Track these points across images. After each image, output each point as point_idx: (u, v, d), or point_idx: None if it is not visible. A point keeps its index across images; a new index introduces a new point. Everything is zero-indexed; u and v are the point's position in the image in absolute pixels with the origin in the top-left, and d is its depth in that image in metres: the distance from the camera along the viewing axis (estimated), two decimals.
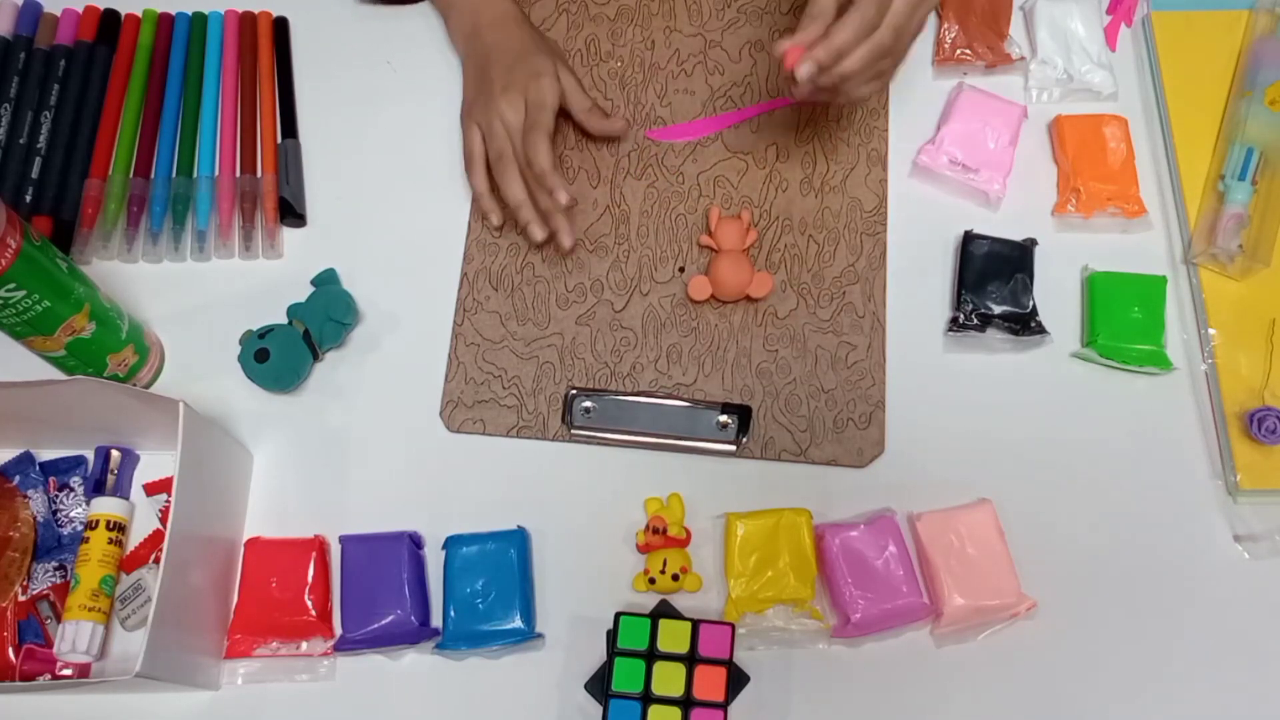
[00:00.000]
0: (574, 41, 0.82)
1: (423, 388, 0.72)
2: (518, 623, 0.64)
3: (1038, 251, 0.75)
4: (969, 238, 0.75)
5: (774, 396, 0.72)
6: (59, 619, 0.64)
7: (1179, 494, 0.70)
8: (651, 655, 0.62)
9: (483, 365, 0.73)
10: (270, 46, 0.82)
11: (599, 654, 0.64)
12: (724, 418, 0.70)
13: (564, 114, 0.76)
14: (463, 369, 0.72)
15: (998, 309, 0.73)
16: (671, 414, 0.71)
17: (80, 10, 0.83)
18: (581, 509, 0.69)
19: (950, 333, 0.73)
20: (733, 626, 0.62)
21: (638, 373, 0.72)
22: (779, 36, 0.67)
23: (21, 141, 0.77)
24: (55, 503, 0.68)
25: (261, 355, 0.68)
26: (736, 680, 0.63)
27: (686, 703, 0.61)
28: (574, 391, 0.71)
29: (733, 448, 0.70)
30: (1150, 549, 0.68)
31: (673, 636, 0.62)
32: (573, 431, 0.70)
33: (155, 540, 0.67)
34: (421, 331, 0.74)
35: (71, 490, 0.68)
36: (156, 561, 0.66)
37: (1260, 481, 0.69)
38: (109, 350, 0.67)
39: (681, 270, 0.75)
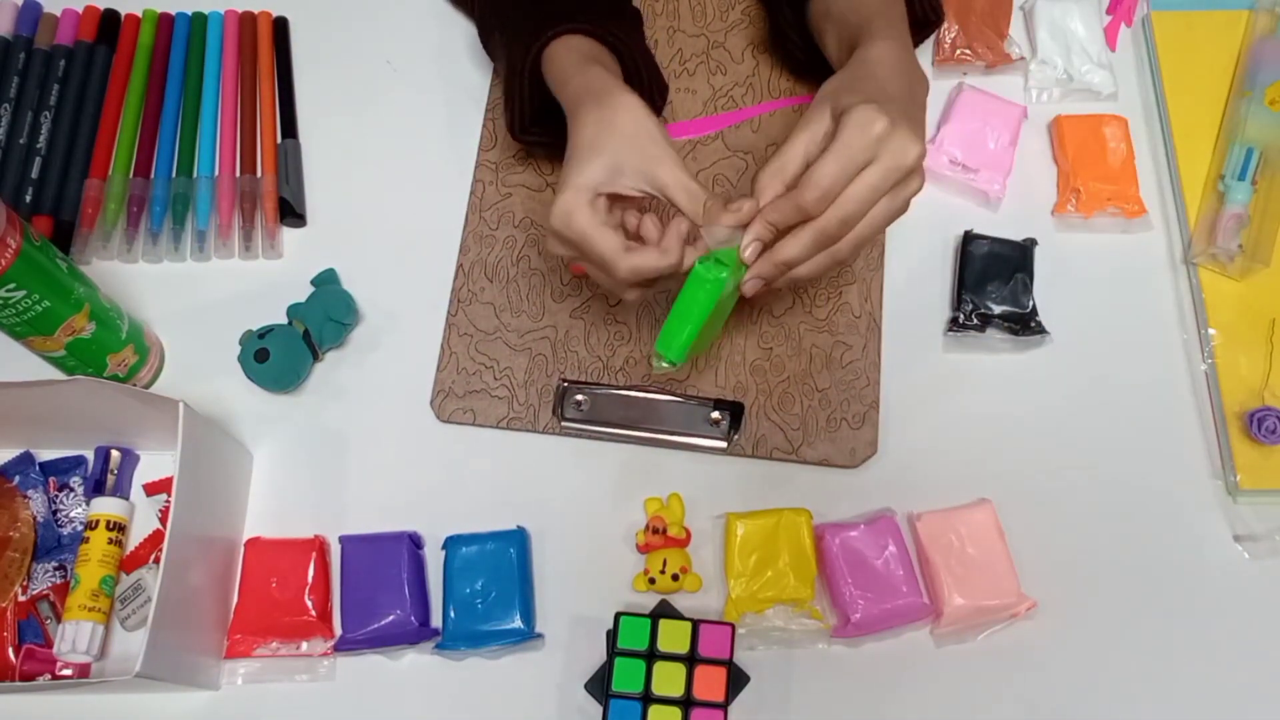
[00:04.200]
0: None
1: (423, 388, 0.72)
2: (517, 623, 0.64)
3: (1038, 251, 0.75)
4: (969, 238, 0.75)
5: (767, 394, 0.72)
6: (59, 619, 0.64)
7: (1179, 494, 0.70)
8: (651, 655, 0.62)
9: (475, 356, 0.73)
10: (270, 46, 0.82)
11: (599, 654, 0.64)
12: (716, 414, 0.70)
13: None
14: (455, 359, 0.72)
15: (998, 309, 0.73)
16: (663, 409, 0.71)
17: (80, 10, 0.83)
18: (582, 508, 0.69)
19: (950, 333, 0.73)
20: (733, 626, 0.62)
21: (630, 367, 0.72)
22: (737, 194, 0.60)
23: (21, 141, 0.77)
24: (55, 503, 0.68)
25: (261, 355, 0.68)
26: (736, 680, 0.63)
27: (686, 703, 0.61)
28: (565, 384, 0.71)
29: (724, 444, 0.70)
30: (1150, 549, 0.68)
31: (673, 636, 0.62)
32: (563, 424, 0.70)
33: (155, 540, 0.67)
34: (421, 331, 0.73)
35: (71, 490, 0.68)
36: (156, 561, 0.66)
37: (1260, 481, 0.69)
38: (109, 350, 0.67)
39: None
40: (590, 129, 0.58)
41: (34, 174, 0.76)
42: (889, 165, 0.55)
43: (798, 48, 0.75)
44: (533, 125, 0.70)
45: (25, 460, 0.69)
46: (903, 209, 0.58)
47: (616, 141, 0.58)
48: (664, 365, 0.59)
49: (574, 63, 0.63)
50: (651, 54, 0.70)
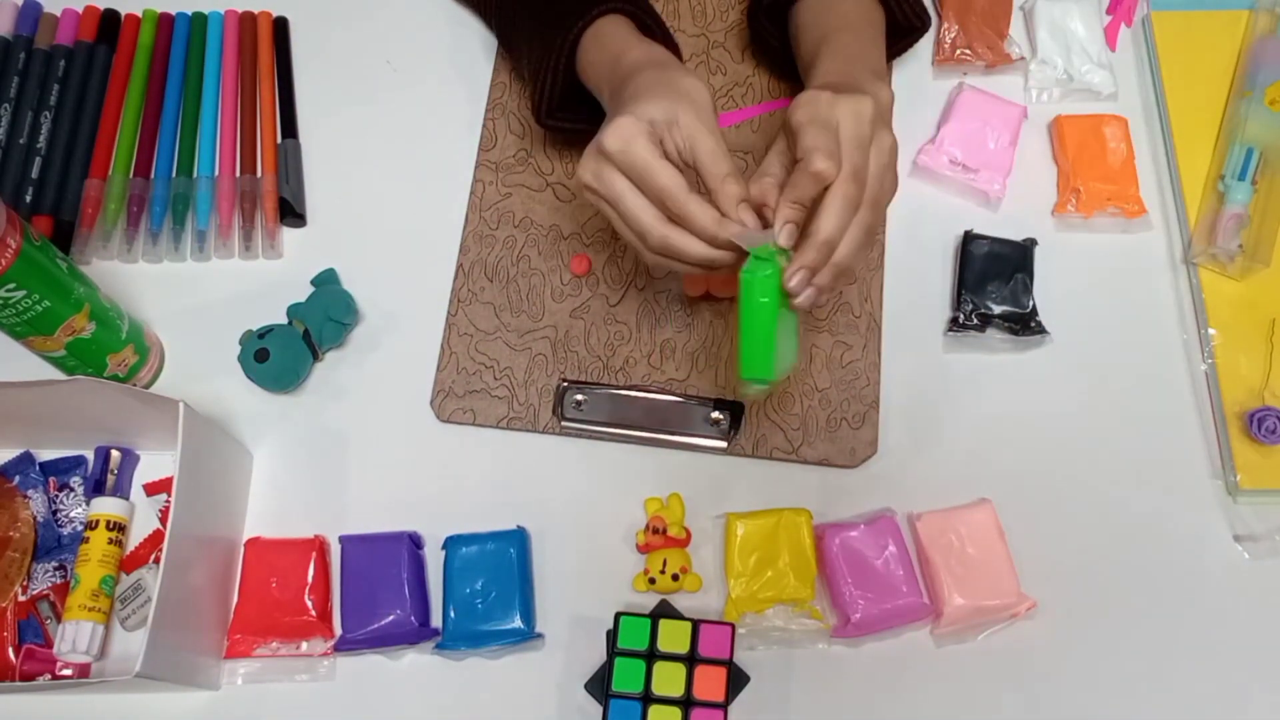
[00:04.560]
0: None
1: (423, 388, 0.72)
2: (517, 623, 0.64)
3: (1038, 251, 0.75)
4: (969, 238, 0.75)
5: (767, 394, 0.72)
6: (59, 619, 0.64)
7: (1179, 494, 0.70)
8: (651, 655, 0.62)
9: (475, 355, 0.73)
10: (270, 46, 0.82)
11: (599, 654, 0.64)
12: (716, 414, 0.70)
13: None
14: (455, 359, 0.72)
15: (998, 309, 0.73)
16: (663, 409, 0.71)
17: (80, 10, 0.83)
18: (582, 508, 0.69)
19: (950, 333, 0.73)
20: (733, 626, 0.62)
21: (630, 367, 0.72)
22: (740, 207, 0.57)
23: (21, 141, 0.77)
24: (55, 503, 0.68)
25: (261, 355, 0.68)
26: (736, 680, 0.63)
27: (686, 703, 0.61)
28: (565, 384, 0.71)
29: (724, 444, 0.70)
30: (1150, 549, 0.68)
31: (673, 636, 0.62)
32: (563, 424, 0.70)
33: (155, 540, 0.67)
34: (421, 331, 0.73)
35: (71, 490, 0.68)
36: (156, 561, 0.66)
37: (1260, 481, 0.69)
38: (109, 350, 0.67)
39: None
40: (651, 81, 0.59)
41: (34, 174, 0.76)
42: (854, 119, 0.56)
43: (777, 52, 0.76)
44: (559, 110, 0.71)
45: (25, 460, 0.69)
46: (892, 163, 0.58)
47: (676, 96, 0.58)
48: (758, 388, 0.56)
49: (625, 36, 0.65)
50: (676, 42, 0.71)
